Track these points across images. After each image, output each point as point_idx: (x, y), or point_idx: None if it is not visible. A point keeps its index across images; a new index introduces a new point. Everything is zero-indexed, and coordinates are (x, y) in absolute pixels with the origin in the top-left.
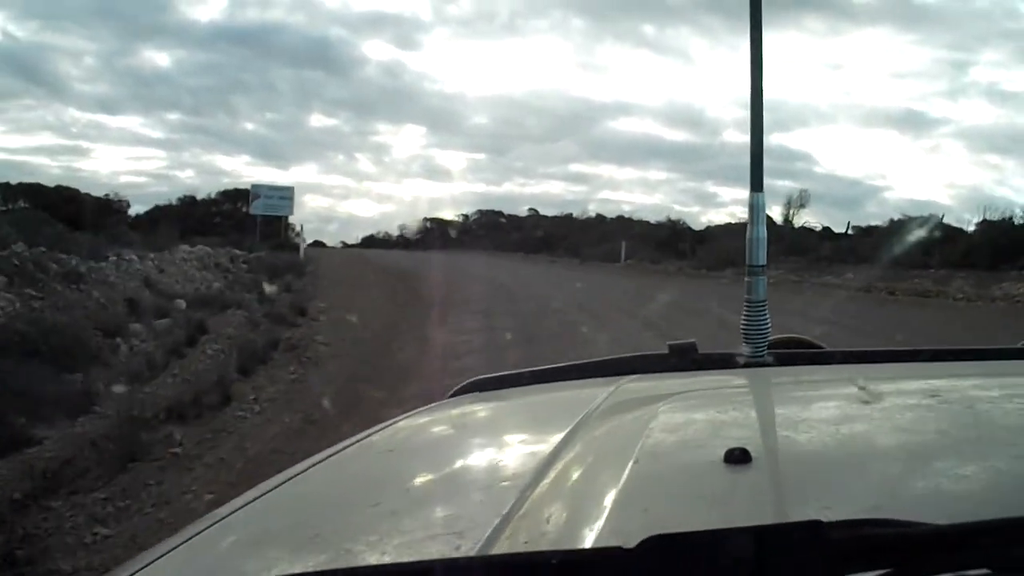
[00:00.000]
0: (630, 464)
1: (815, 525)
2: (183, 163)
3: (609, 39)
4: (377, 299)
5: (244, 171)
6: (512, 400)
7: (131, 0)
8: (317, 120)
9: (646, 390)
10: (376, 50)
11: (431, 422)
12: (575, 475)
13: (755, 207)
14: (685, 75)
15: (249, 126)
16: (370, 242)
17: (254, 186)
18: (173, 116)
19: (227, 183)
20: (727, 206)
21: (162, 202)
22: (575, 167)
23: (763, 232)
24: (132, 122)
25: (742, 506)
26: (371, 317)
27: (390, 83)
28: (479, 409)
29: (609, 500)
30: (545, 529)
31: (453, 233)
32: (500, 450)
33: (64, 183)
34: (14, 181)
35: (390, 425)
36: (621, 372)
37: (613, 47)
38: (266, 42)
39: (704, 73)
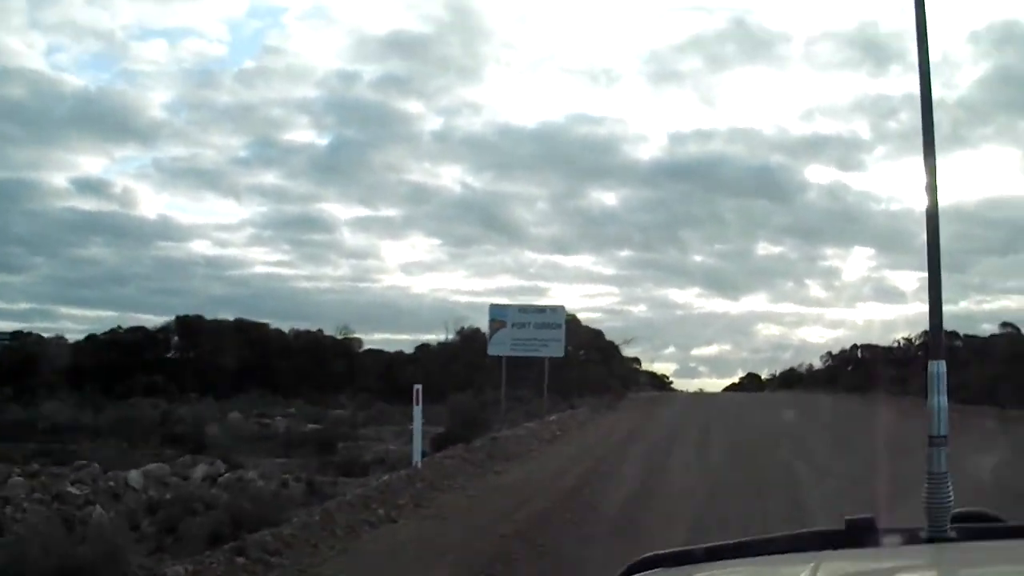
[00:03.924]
0: None
1: None
2: (635, 298)
3: None
4: None
5: (695, 303)
6: None
7: (575, 146)
8: (764, 248)
9: (847, 568)
10: (817, 174)
11: None
12: None
13: (936, 376)
14: None
15: (698, 258)
16: (787, 379)
17: (494, 308)
18: (624, 253)
19: (680, 315)
20: None
21: None
22: None
23: (944, 401)
24: (585, 260)
25: None
26: None
27: (834, 206)
28: None
29: None
30: None
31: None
32: None
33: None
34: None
35: None
36: (799, 548)
37: None
38: (708, 175)
39: None
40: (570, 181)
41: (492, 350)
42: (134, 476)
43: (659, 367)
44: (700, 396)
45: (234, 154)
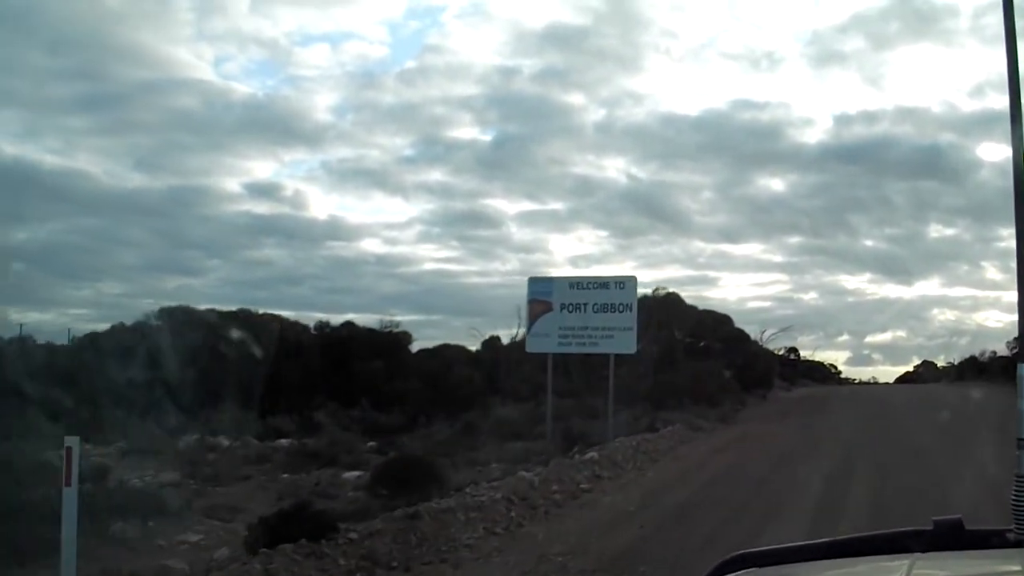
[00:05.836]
0: None
1: None
2: (806, 285)
3: None
4: None
5: (867, 289)
6: None
7: (740, 132)
8: (936, 231)
9: (939, 571)
10: (990, 151)
11: None
12: None
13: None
14: None
15: (868, 243)
16: (965, 368)
17: (534, 283)
18: (792, 240)
19: (852, 302)
20: None
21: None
22: None
23: None
24: (753, 248)
25: None
26: None
27: (1009, 184)
28: None
29: None
30: None
31: None
32: None
33: None
34: None
35: None
36: (887, 547)
37: None
38: (876, 157)
39: None
40: (735, 168)
41: (532, 346)
42: None
43: (831, 355)
44: (864, 392)
45: (399, 153)
